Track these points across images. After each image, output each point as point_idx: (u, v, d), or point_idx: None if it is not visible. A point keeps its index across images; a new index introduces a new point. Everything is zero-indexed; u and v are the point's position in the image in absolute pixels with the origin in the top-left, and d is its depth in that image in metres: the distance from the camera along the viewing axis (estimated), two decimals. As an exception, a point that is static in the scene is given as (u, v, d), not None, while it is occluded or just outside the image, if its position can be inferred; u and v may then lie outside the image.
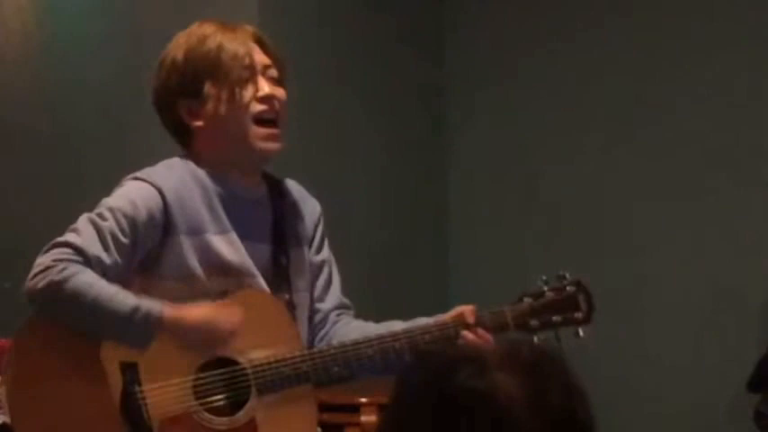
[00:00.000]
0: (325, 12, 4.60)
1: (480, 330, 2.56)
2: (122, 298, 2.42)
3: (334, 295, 2.75)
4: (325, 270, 2.74)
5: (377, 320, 2.75)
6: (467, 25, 5.05)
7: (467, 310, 2.61)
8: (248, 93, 2.56)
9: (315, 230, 2.73)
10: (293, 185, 2.74)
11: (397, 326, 2.62)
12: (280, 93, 2.62)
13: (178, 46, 2.62)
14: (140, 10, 4.55)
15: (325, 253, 2.75)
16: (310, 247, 2.71)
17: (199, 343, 2.47)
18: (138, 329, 2.41)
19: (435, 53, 5.08)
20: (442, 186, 5.09)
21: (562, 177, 4.87)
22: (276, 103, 2.59)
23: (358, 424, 3.97)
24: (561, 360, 1.40)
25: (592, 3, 4.84)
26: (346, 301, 2.77)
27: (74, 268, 2.41)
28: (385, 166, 4.85)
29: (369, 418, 3.96)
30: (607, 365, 4.51)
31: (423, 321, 2.62)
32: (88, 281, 2.41)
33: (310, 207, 2.74)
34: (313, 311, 2.71)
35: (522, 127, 4.96)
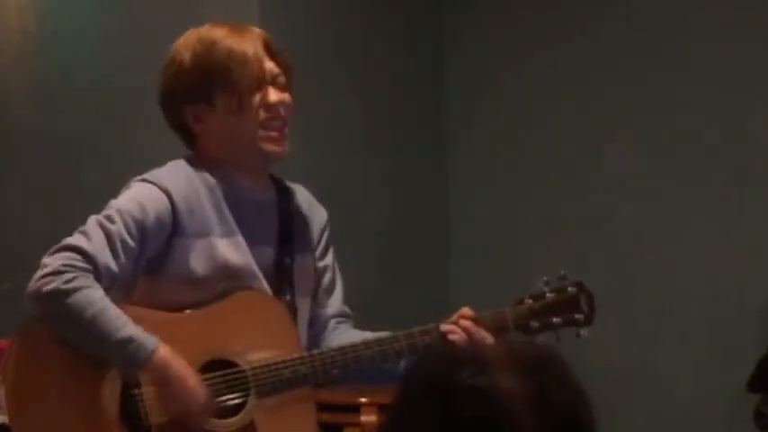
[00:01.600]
0: (325, 15, 4.60)
1: (462, 322, 2.56)
2: (120, 325, 2.41)
3: (336, 302, 2.75)
4: (328, 276, 2.74)
5: (377, 325, 2.75)
6: (466, 35, 5.05)
7: (465, 309, 2.61)
8: (256, 101, 2.57)
9: (321, 236, 2.73)
10: (302, 191, 2.75)
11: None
12: (286, 98, 2.62)
13: (186, 49, 2.61)
14: (140, 10, 4.55)
15: (329, 259, 2.75)
16: (315, 252, 2.72)
17: (168, 398, 2.45)
18: (128, 359, 2.41)
19: (435, 62, 5.08)
20: (443, 194, 5.09)
21: (561, 182, 4.87)
22: (282, 110, 2.60)
23: (358, 424, 3.97)
24: (562, 360, 1.40)
25: (591, 10, 4.83)
26: (347, 309, 2.77)
27: (82, 281, 2.40)
28: (385, 173, 4.84)
29: (369, 418, 3.96)
30: (607, 365, 4.51)
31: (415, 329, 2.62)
32: (93, 297, 2.40)
33: (318, 213, 2.75)
34: (313, 317, 2.70)
35: (522, 134, 4.96)
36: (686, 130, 4.64)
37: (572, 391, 1.38)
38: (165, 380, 2.43)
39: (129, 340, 2.40)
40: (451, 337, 2.54)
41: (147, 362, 2.41)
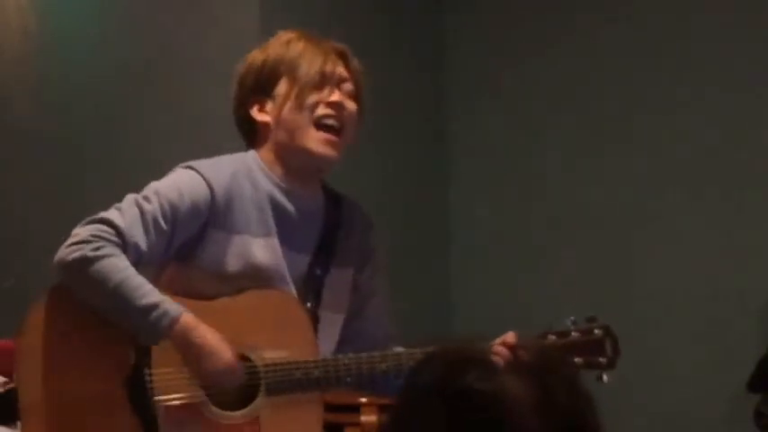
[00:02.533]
0: (326, 14, 4.60)
1: (501, 350, 2.54)
2: (146, 291, 2.42)
3: (386, 324, 2.75)
4: (379, 296, 2.74)
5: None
6: (466, 35, 5.05)
7: (509, 335, 2.59)
8: (316, 96, 2.59)
9: (371, 255, 2.73)
10: (355, 206, 2.76)
11: None
12: (350, 105, 2.64)
13: (262, 49, 2.66)
14: (140, 10, 4.55)
15: (381, 279, 2.76)
16: (362, 270, 2.72)
17: (192, 362, 2.46)
18: (151, 327, 2.41)
19: (436, 61, 5.08)
20: (443, 188, 5.09)
21: (562, 182, 4.87)
22: (343, 112, 2.61)
23: (358, 424, 3.97)
24: (568, 363, 1.40)
25: (591, 9, 4.83)
26: (394, 330, 2.77)
27: (109, 249, 2.42)
28: (386, 174, 4.84)
29: (369, 418, 3.96)
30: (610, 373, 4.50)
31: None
32: (119, 266, 2.41)
33: (369, 231, 2.75)
34: (360, 335, 2.70)
35: (522, 134, 4.96)
36: (686, 130, 4.64)
37: (578, 395, 1.38)
38: (189, 345, 2.43)
39: (154, 307, 2.40)
40: None
41: (171, 328, 2.41)
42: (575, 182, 4.85)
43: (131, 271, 2.42)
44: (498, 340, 2.57)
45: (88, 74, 4.62)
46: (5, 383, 2.68)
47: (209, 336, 2.45)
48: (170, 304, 2.42)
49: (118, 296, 2.40)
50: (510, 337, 2.57)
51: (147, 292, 2.42)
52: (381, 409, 3.94)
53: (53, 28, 4.69)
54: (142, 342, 2.44)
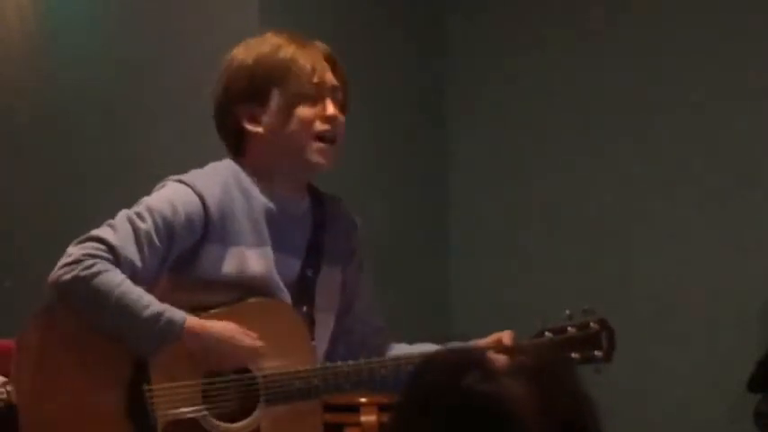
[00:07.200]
0: (325, 13, 4.59)
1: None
2: (147, 302, 2.41)
3: (374, 318, 2.76)
4: (365, 292, 2.75)
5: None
6: (468, 26, 5.05)
7: (505, 334, 2.60)
8: (314, 110, 2.56)
9: (355, 251, 2.73)
10: (337, 202, 2.74)
11: (428, 348, 2.63)
12: (341, 116, 2.61)
13: (248, 50, 2.61)
14: (140, 10, 4.55)
15: (365, 275, 2.76)
16: (348, 266, 2.71)
17: (217, 357, 2.47)
18: (158, 335, 2.40)
19: (436, 54, 5.08)
20: (443, 188, 5.09)
21: (562, 178, 4.86)
22: (337, 124, 2.59)
23: (358, 424, 3.97)
24: (568, 365, 1.41)
25: (592, 4, 4.83)
26: (382, 323, 2.77)
27: (102, 266, 2.40)
28: (385, 167, 4.84)
29: (369, 418, 3.95)
30: (607, 366, 4.50)
31: (454, 344, 2.64)
32: (115, 280, 2.40)
33: (352, 226, 2.75)
34: (350, 331, 2.71)
35: (522, 134, 4.95)
36: (686, 131, 4.64)
37: (578, 396, 1.38)
38: (204, 341, 2.44)
39: (159, 315, 2.40)
40: None
41: (181, 331, 2.41)
42: (575, 181, 4.84)
43: (128, 284, 2.41)
44: (493, 337, 2.58)
45: (88, 74, 4.62)
46: (5, 384, 2.68)
47: (218, 326, 2.46)
48: (173, 311, 2.42)
49: (119, 311, 2.39)
50: (506, 336, 2.58)
51: (148, 302, 2.41)
52: (381, 408, 3.94)
53: (53, 28, 4.69)
54: (147, 353, 2.44)
